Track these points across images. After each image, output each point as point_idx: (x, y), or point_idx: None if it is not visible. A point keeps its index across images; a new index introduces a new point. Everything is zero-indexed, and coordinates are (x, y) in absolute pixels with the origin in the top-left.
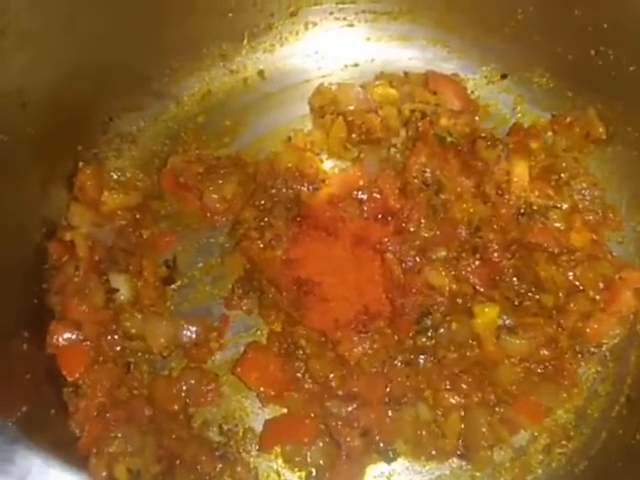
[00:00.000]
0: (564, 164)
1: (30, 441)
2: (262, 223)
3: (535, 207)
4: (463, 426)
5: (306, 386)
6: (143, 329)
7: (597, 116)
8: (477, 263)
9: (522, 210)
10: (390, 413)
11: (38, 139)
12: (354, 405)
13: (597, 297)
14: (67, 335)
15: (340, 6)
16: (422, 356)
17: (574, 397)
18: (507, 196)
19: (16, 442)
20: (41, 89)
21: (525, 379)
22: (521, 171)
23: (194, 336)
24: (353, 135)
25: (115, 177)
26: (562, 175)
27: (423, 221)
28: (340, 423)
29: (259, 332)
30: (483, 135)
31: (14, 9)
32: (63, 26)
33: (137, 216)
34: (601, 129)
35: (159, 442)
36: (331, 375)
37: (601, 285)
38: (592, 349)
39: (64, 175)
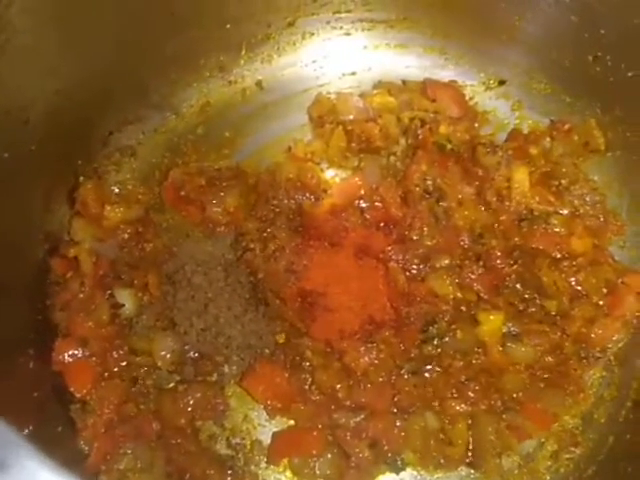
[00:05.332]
0: (564, 170)
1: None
2: (265, 234)
3: (536, 213)
4: (471, 434)
5: (313, 397)
6: (149, 344)
7: (597, 126)
8: (480, 270)
9: (523, 216)
10: (398, 423)
11: (39, 155)
12: (362, 415)
13: (600, 302)
14: (73, 352)
15: (337, 15)
16: (428, 365)
17: (580, 402)
18: (508, 202)
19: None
20: (41, 105)
21: (531, 386)
22: (521, 177)
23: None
24: (353, 144)
25: (116, 191)
26: (562, 181)
27: (425, 229)
28: (348, 434)
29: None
30: (483, 142)
31: (13, 25)
32: (62, 41)
33: (139, 229)
34: (600, 140)
35: (168, 457)
36: (338, 386)
37: (604, 290)
38: (597, 354)
39: (65, 190)
